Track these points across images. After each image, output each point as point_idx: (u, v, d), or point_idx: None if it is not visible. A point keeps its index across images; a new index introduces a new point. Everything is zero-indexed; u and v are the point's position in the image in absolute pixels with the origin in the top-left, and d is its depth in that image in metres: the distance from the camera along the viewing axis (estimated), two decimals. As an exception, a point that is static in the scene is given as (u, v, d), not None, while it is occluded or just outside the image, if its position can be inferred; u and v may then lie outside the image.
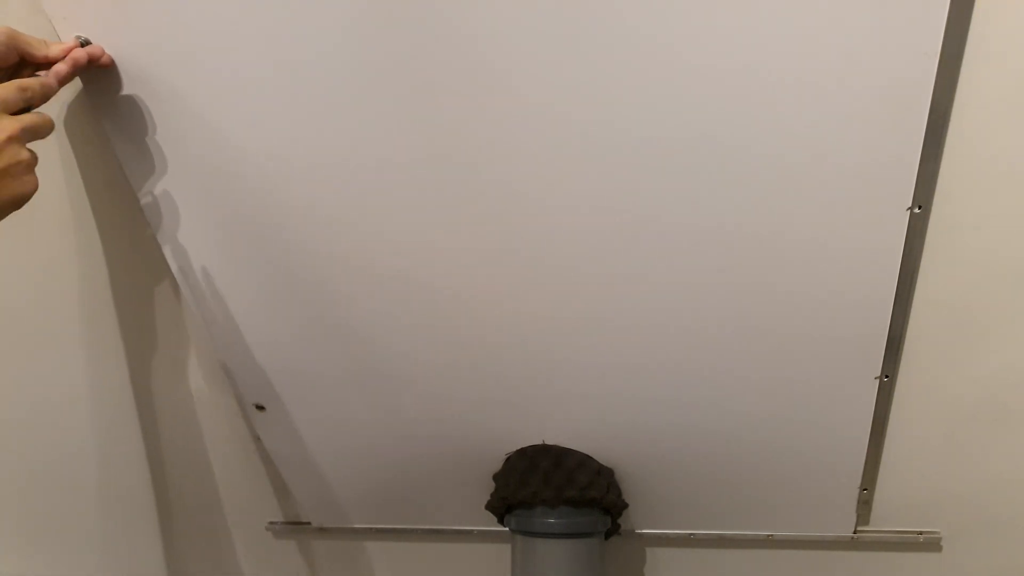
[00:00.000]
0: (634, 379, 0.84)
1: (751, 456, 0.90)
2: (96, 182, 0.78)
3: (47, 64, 0.63)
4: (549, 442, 0.93)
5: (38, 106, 0.60)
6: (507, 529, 0.95)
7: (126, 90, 0.70)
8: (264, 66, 0.67)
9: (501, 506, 0.94)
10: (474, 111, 0.67)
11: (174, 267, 0.82)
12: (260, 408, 0.95)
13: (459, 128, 0.68)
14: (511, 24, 0.62)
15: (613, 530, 0.97)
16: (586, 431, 0.91)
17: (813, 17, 0.59)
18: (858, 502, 0.92)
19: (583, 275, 0.76)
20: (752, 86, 0.63)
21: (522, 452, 0.93)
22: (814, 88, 0.62)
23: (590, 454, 0.93)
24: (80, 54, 0.64)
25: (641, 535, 1.03)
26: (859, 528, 0.95)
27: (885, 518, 0.94)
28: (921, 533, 0.94)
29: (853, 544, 0.97)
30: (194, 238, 0.80)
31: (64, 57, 0.64)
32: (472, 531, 1.07)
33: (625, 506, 0.95)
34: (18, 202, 0.58)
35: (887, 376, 0.80)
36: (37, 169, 0.59)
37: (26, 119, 0.58)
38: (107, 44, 0.67)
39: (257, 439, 1.00)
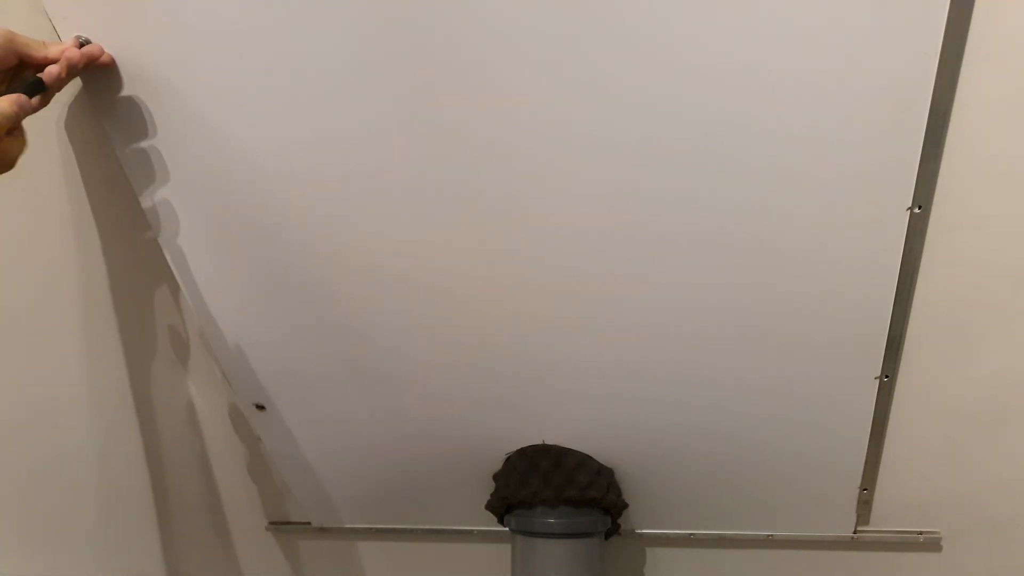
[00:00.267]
0: (634, 379, 0.84)
1: (751, 456, 0.90)
2: (96, 182, 0.78)
3: (46, 66, 0.63)
4: (549, 442, 0.93)
5: (17, 124, 0.60)
6: (507, 529, 0.95)
7: (126, 90, 0.70)
8: (264, 66, 0.67)
9: (501, 506, 0.94)
10: (474, 111, 0.67)
11: (174, 267, 0.82)
12: (260, 408, 0.95)
13: (459, 128, 0.68)
14: (511, 24, 0.62)
15: (613, 530, 0.97)
16: (586, 431, 0.91)
17: (813, 17, 0.59)
18: (858, 502, 0.92)
19: (583, 275, 0.76)
20: (752, 86, 0.63)
21: (522, 452, 0.93)
22: (814, 88, 0.62)
23: (590, 454, 0.93)
24: (75, 55, 0.63)
25: (641, 535, 1.03)
26: (859, 528, 0.95)
27: (885, 518, 0.94)
28: (921, 533, 0.94)
29: (853, 544, 0.97)
30: (194, 238, 0.80)
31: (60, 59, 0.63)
32: (472, 531, 1.07)
33: (625, 506, 0.95)
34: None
35: (887, 376, 0.80)
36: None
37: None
38: (107, 44, 0.67)
39: (257, 439, 1.00)
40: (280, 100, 0.69)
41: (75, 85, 0.71)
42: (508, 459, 0.95)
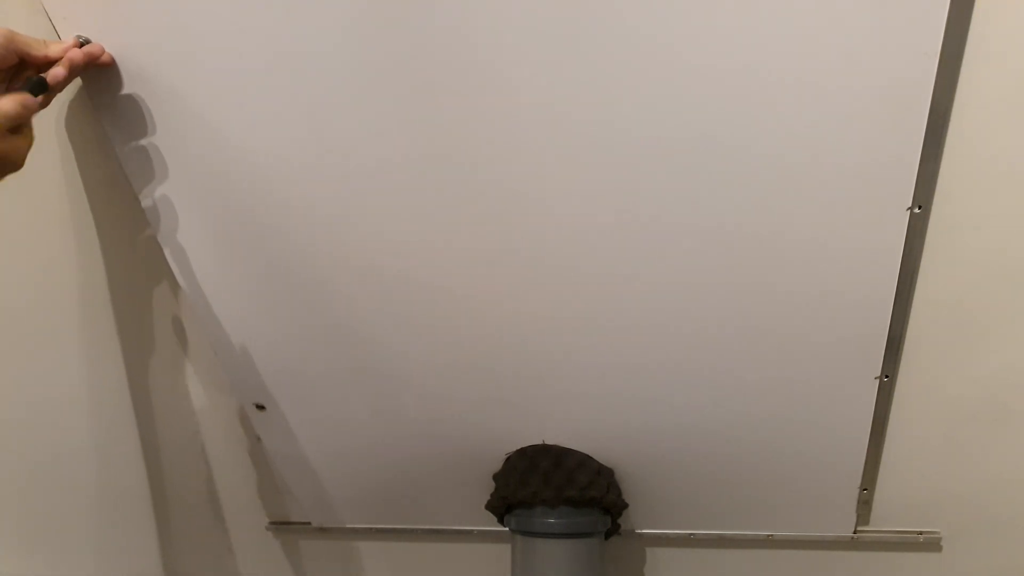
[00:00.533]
0: (634, 379, 0.84)
1: (751, 456, 0.90)
2: (96, 182, 0.78)
3: (47, 64, 0.63)
4: (549, 442, 0.93)
5: (24, 122, 0.60)
6: (507, 529, 0.95)
7: (126, 90, 0.70)
8: (264, 66, 0.67)
9: (501, 506, 0.94)
10: (474, 111, 0.67)
11: (174, 266, 0.82)
12: (260, 408, 0.95)
13: (459, 128, 0.68)
14: (510, 24, 0.62)
15: (613, 530, 0.97)
16: (586, 431, 0.91)
17: (813, 17, 0.59)
18: (858, 502, 0.92)
19: (583, 275, 0.76)
20: (752, 86, 0.63)
21: (522, 452, 0.93)
22: (814, 88, 0.62)
23: (590, 454, 0.93)
24: (77, 55, 0.64)
25: (641, 535, 1.03)
26: (859, 528, 0.95)
27: (885, 518, 0.94)
28: (921, 533, 0.94)
29: (853, 544, 0.97)
30: (194, 238, 0.80)
31: (64, 56, 0.63)
32: (472, 531, 1.07)
33: (625, 506, 0.95)
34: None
35: (887, 376, 0.80)
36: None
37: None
38: (107, 44, 0.67)
39: (257, 439, 1.00)
40: (280, 100, 0.69)
41: (75, 84, 0.71)
42: (508, 459, 0.95)
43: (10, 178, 0.60)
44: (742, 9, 0.59)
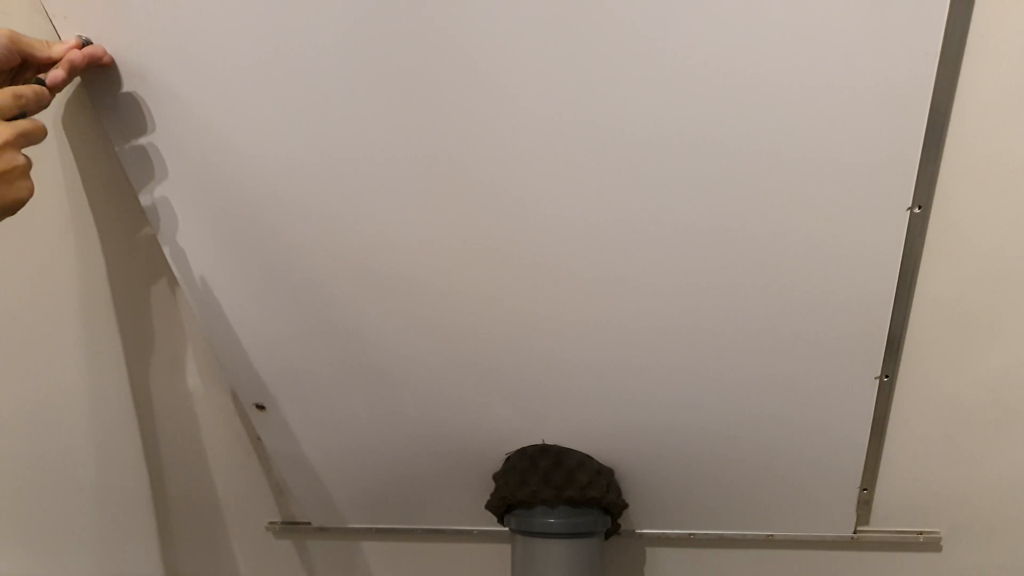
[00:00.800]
0: (634, 379, 0.84)
1: (751, 456, 0.90)
2: (95, 182, 0.78)
3: (50, 65, 0.63)
4: (549, 442, 0.93)
5: (34, 113, 0.60)
6: (507, 529, 0.95)
7: (126, 90, 0.70)
8: (264, 66, 0.67)
9: (501, 506, 0.94)
10: (474, 111, 0.67)
11: (174, 266, 0.82)
12: (260, 408, 0.95)
13: (459, 128, 0.68)
14: (509, 24, 0.62)
15: (613, 530, 0.97)
16: (586, 431, 0.91)
17: (813, 17, 0.59)
18: (858, 502, 0.92)
19: (583, 275, 0.76)
20: (752, 86, 0.63)
21: (522, 452, 0.93)
22: (814, 88, 0.62)
23: (590, 454, 0.93)
24: (77, 56, 0.64)
25: (641, 535, 1.03)
26: (859, 528, 0.95)
27: (885, 518, 0.94)
28: (921, 533, 0.94)
29: (853, 544, 0.97)
30: (194, 238, 0.80)
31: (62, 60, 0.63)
32: (472, 531, 1.07)
33: (625, 506, 0.95)
34: (13, 208, 0.58)
35: (887, 376, 0.80)
36: (35, 169, 0.59)
37: (21, 125, 0.58)
38: (107, 43, 0.67)
39: (257, 439, 1.00)
40: (280, 100, 0.69)
41: (75, 84, 0.71)
42: (508, 459, 0.95)
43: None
44: (741, 9, 0.59)
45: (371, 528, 1.10)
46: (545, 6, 0.61)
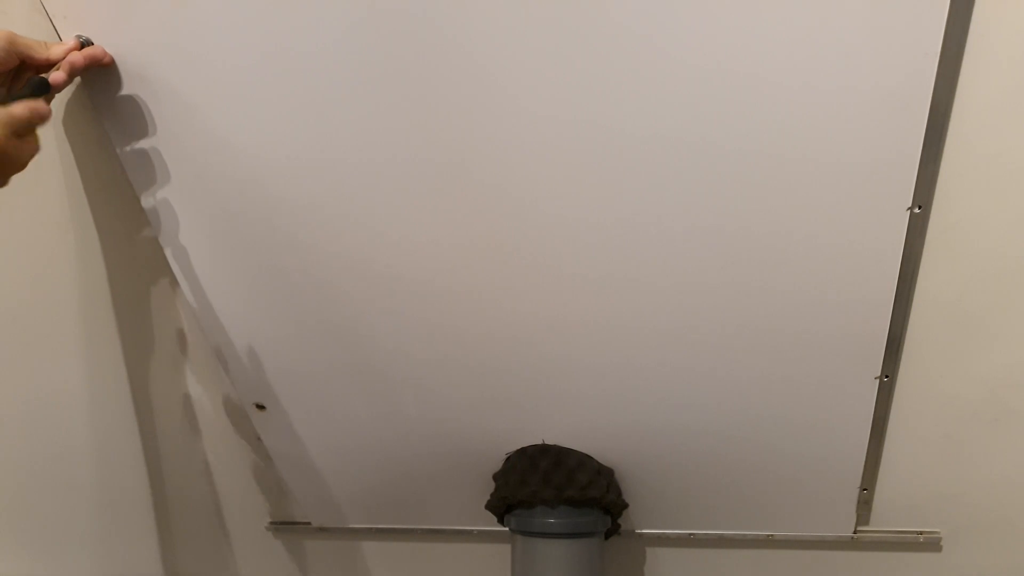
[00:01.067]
0: (634, 379, 0.84)
1: (751, 456, 0.90)
2: (95, 182, 0.78)
3: (48, 66, 0.63)
4: (549, 442, 0.93)
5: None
6: (507, 529, 0.95)
7: (126, 90, 0.70)
8: (263, 66, 0.67)
9: (501, 506, 0.94)
10: (474, 111, 0.67)
11: (174, 266, 0.82)
12: (260, 408, 0.95)
13: (459, 128, 0.68)
14: (510, 24, 0.63)
15: (613, 530, 0.97)
16: (586, 431, 0.91)
17: (813, 17, 0.59)
18: (858, 502, 0.92)
19: (583, 275, 0.76)
20: (752, 86, 0.63)
21: (522, 452, 0.93)
22: (814, 88, 0.62)
23: (590, 454, 0.93)
24: (78, 58, 0.64)
25: (641, 535, 1.03)
26: (859, 528, 0.95)
27: (885, 518, 0.94)
28: (921, 533, 0.94)
29: (853, 544, 0.97)
30: (194, 237, 0.80)
31: (64, 57, 0.63)
32: (472, 531, 1.07)
33: (625, 506, 0.95)
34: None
35: (887, 376, 0.80)
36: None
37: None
38: (107, 43, 0.67)
39: (257, 439, 1.00)
40: (280, 100, 0.69)
41: (75, 84, 0.71)
42: (508, 459, 0.95)
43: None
44: (741, 9, 0.59)
45: (371, 528, 1.10)
46: (545, 6, 0.61)
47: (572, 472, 0.90)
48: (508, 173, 0.71)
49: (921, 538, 0.94)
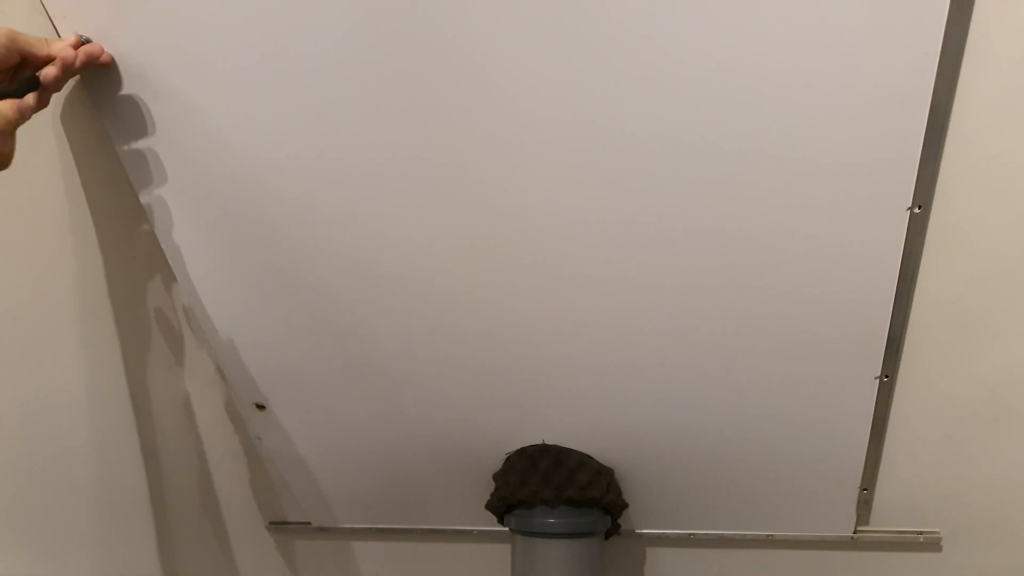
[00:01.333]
0: (634, 379, 0.84)
1: (751, 456, 0.90)
2: (95, 181, 0.78)
3: (49, 63, 0.63)
4: (549, 442, 0.93)
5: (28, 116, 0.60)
6: (507, 529, 0.95)
7: (126, 89, 0.70)
8: (263, 65, 0.67)
9: (501, 506, 0.94)
10: (474, 111, 0.67)
11: (173, 265, 0.82)
12: (260, 408, 0.95)
13: (459, 128, 0.68)
14: (509, 24, 0.63)
15: (613, 530, 0.97)
16: (586, 431, 0.91)
17: (813, 17, 0.59)
18: (858, 502, 0.92)
19: (583, 275, 0.76)
20: (752, 86, 0.63)
21: (522, 452, 0.93)
22: (814, 88, 0.62)
23: (590, 454, 0.93)
24: (70, 55, 0.63)
25: (641, 535, 1.03)
26: (859, 528, 0.95)
27: (885, 518, 0.94)
28: (921, 533, 0.94)
29: (853, 544, 0.97)
30: (194, 237, 0.80)
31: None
32: (472, 531, 1.07)
33: (625, 506, 0.95)
34: None
35: (887, 376, 0.80)
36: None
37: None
38: (107, 43, 0.67)
39: (257, 439, 1.00)
40: (280, 100, 0.69)
41: (74, 83, 0.71)
42: (508, 459, 0.95)
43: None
44: (741, 9, 0.59)
45: (371, 528, 1.10)
46: (545, 6, 0.61)
47: (572, 472, 0.90)
48: (508, 173, 0.71)
49: (921, 538, 0.94)
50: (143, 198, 0.78)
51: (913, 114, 0.63)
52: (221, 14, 0.65)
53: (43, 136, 0.72)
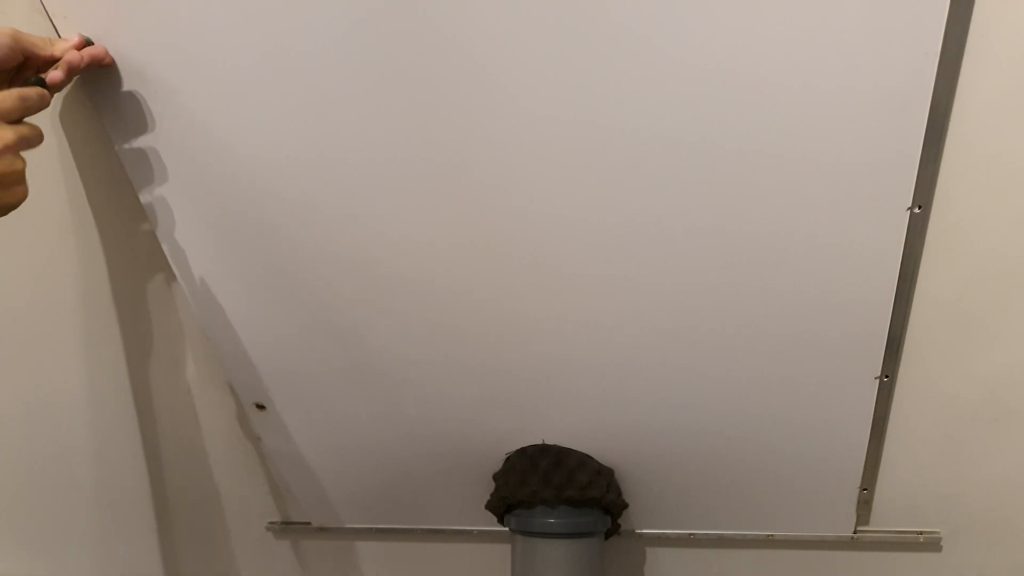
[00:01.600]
0: (634, 379, 0.84)
1: (751, 456, 0.90)
2: (95, 181, 0.78)
3: (52, 63, 0.63)
4: (549, 442, 0.93)
5: (35, 113, 0.60)
6: (507, 529, 0.95)
7: (126, 89, 0.70)
8: (263, 65, 0.67)
9: (501, 506, 0.94)
10: (474, 111, 0.67)
11: (174, 266, 0.82)
12: (260, 408, 0.95)
13: (459, 128, 0.68)
14: (509, 24, 0.62)
15: (613, 530, 0.97)
16: (586, 431, 0.91)
17: (813, 17, 0.59)
18: (858, 502, 0.92)
19: (583, 275, 0.76)
20: (752, 86, 0.63)
21: (522, 452, 0.93)
22: (814, 88, 0.62)
23: (590, 454, 0.93)
24: (75, 58, 0.63)
25: (641, 535, 1.03)
26: (859, 528, 0.95)
27: (885, 518, 0.94)
28: (921, 533, 0.94)
29: (853, 544, 0.97)
30: (194, 237, 0.80)
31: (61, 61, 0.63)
32: (472, 531, 1.07)
33: (625, 506, 0.95)
34: (5, 211, 0.58)
35: (887, 376, 0.80)
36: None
37: (23, 130, 0.58)
38: (107, 42, 0.67)
39: (257, 439, 1.00)
40: (280, 99, 0.69)
41: (74, 83, 0.71)
42: (508, 459, 0.95)
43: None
44: (741, 9, 0.59)
45: (371, 528, 1.10)
46: (545, 6, 0.61)
47: (572, 472, 0.90)
48: (508, 173, 0.71)
49: (921, 538, 0.94)
50: (143, 198, 0.78)
51: (913, 114, 0.63)
52: (221, 14, 0.65)
53: (45, 137, 0.72)
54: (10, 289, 0.73)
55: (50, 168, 0.74)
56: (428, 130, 0.69)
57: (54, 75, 0.62)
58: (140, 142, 0.74)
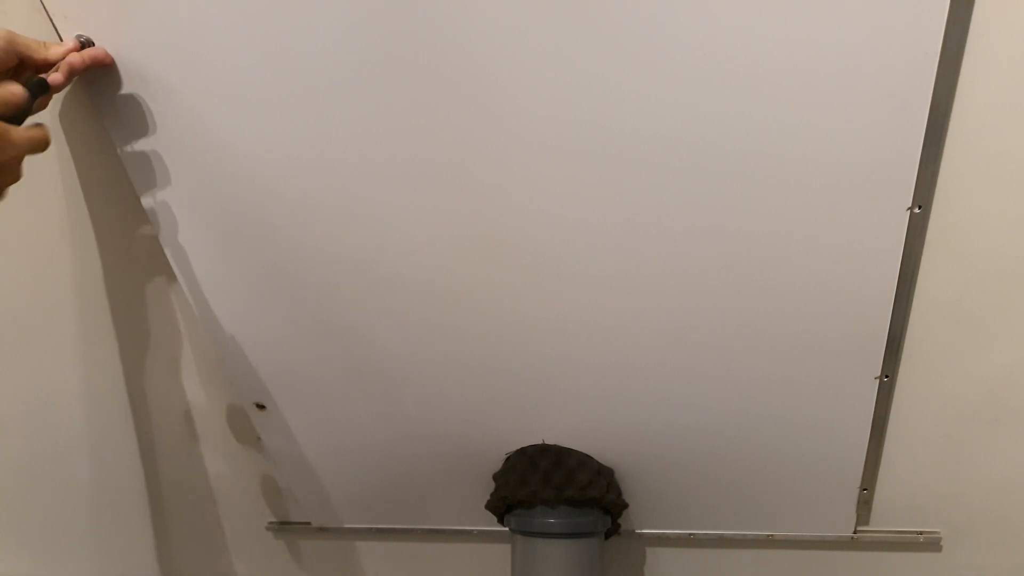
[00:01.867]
0: (634, 379, 0.84)
1: (751, 456, 0.90)
2: (95, 182, 0.78)
3: (46, 67, 0.63)
4: (549, 442, 0.93)
5: (34, 113, 0.60)
6: (507, 529, 0.95)
7: (126, 89, 0.70)
8: (264, 66, 0.67)
9: (501, 506, 0.94)
10: (474, 111, 0.67)
11: (174, 266, 0.82)
12: (260, 407, 0.95)
13: (459, 128, 0.68)
14: (509, 24, 0.63)
15: (613, 530, 0.97)
16: (586, 431, 0.91)
17: (813, 17, 0.59)
18: (858, 502, 0.92)
19: (583, 275, 0.76)
20: (752, 86, 0.63)
21: (522, 452, 0.93)
22: (814, 88, 0.62)
23: (590, 454, 0.93)
24: (76, 60, 0.63)
25: (641, 535, 1.03)
26: (859, 528, 0.95)
27: (885, 518, 0.94)
28: (921, 533, 0.94)
29: (853, 544, 0.97)
30: (194, 237, 0.80)
31: (63, 58, 0.63)
32: (472, 531, 1.07)
33: (625, 506, 0.95)
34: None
35: (887, 376, 0.80)
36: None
37: (36, 135, 0.58)
38: (107, 43, 0.67)
39: (257, 439, 1.00)
40: (280, 100, 0.69)
41: (74, 83, 0.71)
42: (508, 459, 0.95)
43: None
44: (741, 9, 0.59)
45: (371, 528, 1.10)
46: (545, 6, 0.61)
47: (572, 472, 0.90)
48: (508, 173, 0.71)
49: (921, 538, 0.94)
50: (143, 198, 0.78)
51: (913, 114, 0.63)
52: (221, 14, 0.65)
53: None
54: (9, 289, 0.73)
55: (50, 168, 0.74)
56: (428, 130, 0.69)
57: (55, 77, 0.62)
58: (140, 142, 0.74)
